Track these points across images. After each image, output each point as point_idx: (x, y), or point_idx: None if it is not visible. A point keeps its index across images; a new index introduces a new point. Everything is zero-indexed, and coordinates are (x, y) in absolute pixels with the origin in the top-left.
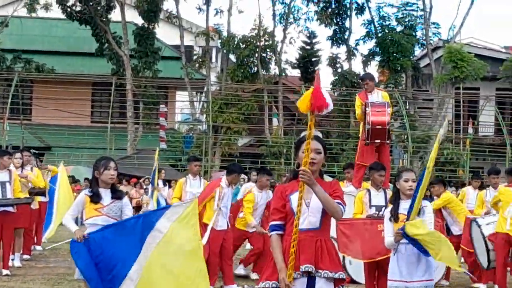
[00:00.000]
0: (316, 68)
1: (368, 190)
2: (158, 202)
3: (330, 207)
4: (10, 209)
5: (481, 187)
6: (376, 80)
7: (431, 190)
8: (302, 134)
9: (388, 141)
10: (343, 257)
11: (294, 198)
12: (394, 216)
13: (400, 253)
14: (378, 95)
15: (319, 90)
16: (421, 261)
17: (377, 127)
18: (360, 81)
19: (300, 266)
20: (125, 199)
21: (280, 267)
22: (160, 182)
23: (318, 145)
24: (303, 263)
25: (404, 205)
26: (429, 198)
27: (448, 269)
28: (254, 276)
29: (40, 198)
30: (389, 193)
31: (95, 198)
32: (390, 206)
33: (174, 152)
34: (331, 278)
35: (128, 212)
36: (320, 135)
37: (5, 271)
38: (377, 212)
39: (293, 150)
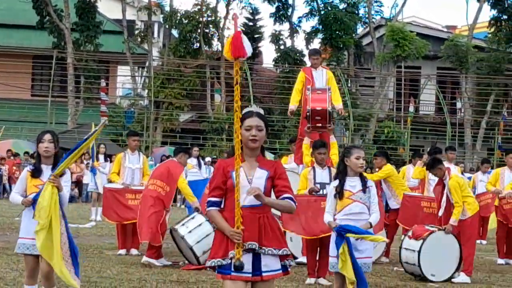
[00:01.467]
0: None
1: (313, 168)
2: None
3: (283, 209)
4: None
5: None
6: None
7: (374, 162)
8: (244, 110)
9: (329, 125)
10: (284, 233)
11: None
12: (339, 193)
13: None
14: (323, 73)
15: (238, 36)
16: (362, 240)
17: (318, 109)
18: (310, 55)
19: (244, 244)
20: (66, 176)
21: (226, 226)
22: (101, 157)
23: (260, 121)
24: (247, 240)
25: (351, 182)
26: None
27: (388, 246)
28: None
29: None
30: (334, 171)
31: (35, 173)
32: (334, 182)
33: (115, 127)
34: (276, 254)
35: (65, 190)
36: (262, 111)
37: None
38: (318, 186)
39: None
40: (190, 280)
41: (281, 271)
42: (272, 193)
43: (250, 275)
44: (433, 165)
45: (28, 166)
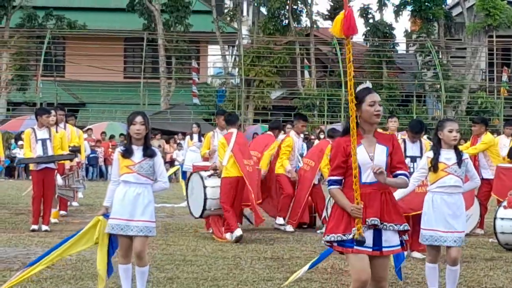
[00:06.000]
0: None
1: (404, 141)
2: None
3: (399, 187)
4: (52, 165)
5: None
6: (409, 30)
7: (472, 129)
8: (359, 87)
9: None
10: None
11: (358, 152)
12: (434, 165)
13: (435, 204)
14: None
15: (350, 14)
16: (456, 213)
17: None
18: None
19: (366, 220)
20: (157, 158)
21: (347, 203)
22: (195, 137)
23: (379, 97)
24: (370, 216)
25: (446, 154)
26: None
27: (482, 217)
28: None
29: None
30: (425, 143)
31: (126, 154)
32: (429, 153)
33: (207, 107)
34: (396, 230)
35: (162, 171)
36: (370, 85)
37: (45, 227)
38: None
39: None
40: (284, 256)
41: (399, 247)
42: None
43: (370, 249)
44: None
45: (119, 148)
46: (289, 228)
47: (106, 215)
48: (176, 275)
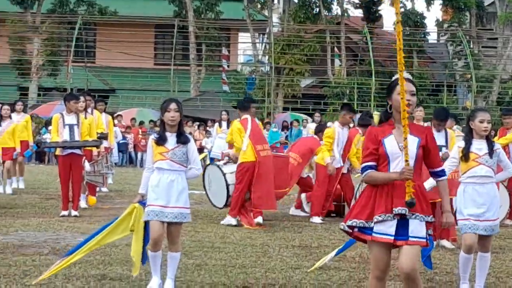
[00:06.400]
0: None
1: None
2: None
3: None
4: (78, 151)
5: None
6: (440, 19)
7: (503, 121)
8: (394, 77)
9: None
10: None
11: (388, 142)
12: (465, 155)
13: (467, 194)
14: None
15: None
16: (488, 202)
17: None
18: None
19: (393, 209)
20: (191, 144)
21: (390, 174)
22: (224, 124)
23: (412, 86)
24: (397, 206)
25: (477, 144)
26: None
27: (511, 208)
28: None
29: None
30: (450, 132)
31: (160, 141)
32: (460, 143)
33: (237, 94)
34: (423, 220)
35: (195, 158)
36: (410, 77)
37: (74, 212)
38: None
39: (386, 91)
40: (312, 245)
41: (425, 240)
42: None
43: (392, 237)
44: None
45: (153, 135)
46: (317, 219)
47: (142, 202)
48: (205, 262)
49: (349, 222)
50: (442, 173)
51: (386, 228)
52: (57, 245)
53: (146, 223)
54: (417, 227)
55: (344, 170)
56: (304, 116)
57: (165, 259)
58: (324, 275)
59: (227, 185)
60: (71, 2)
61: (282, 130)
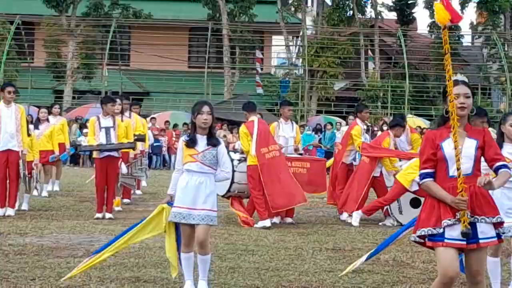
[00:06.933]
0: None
1: None
2: None
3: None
4: (115, 154)
5: None
6: (474, 22)
7: None
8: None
9: None
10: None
11: (445, 145)
12: None
13: (495, 197)
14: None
15: (449, 2)
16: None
17: None
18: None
19: (456, 213)
20: (221, 147)
21: (446, 195)
22: None
23: (467, 89)
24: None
25: (508, 149)
26: None
27: None
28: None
29: (139, 145)
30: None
31: (190, 143)
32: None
33: (270, 97)
34: (489, 222)
35: (225, 161)
36: (466, 79)
37: (108, 215)
38: None
39: (442, 95)
40: (345, 248)
41: (496, 239)
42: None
43: (464, 242)
44: None
45: (184, 137)
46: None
47: (171, 203)
48: (238, 265)
49: (418, 232)
50: (505, 167)
51: (458, 233)
52: (91, 247)
53: (178, 225)
54: (486, 228)
55: (377, 174)
56: (338, 119)
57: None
58: (358, 278)
59: (232, 182)
60: (106, 5)
61: (316, 133)
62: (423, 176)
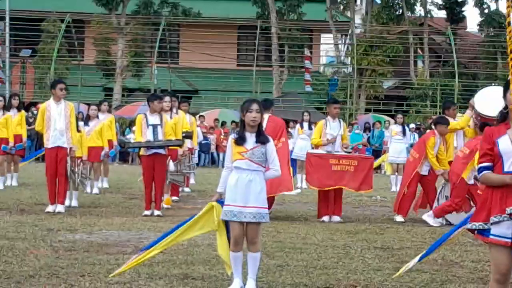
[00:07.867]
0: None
1: None
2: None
3: None
4: (162, 151)
5: None
6: None
7: None
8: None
9: None
10: None
11: (502, 141)
12: None
13: None
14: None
15: None
16: None
17: None
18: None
19: (506, 209)
20: (270, 145)
21: (504, 177)
22: (305, 125)
23: None
24: (510, 205)
25: None
26: None
27: None
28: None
29: (187, 142)
30: None
31: (239, 141)
32: None
33: (319, 95)
34: None
35: (273, 158)
36: None
37: (157, 212)
38: None
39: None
40: (394, 246)
41: None
42: None
43: (509, 240)
44: None
45: (233, 134)
46: (399, 218)
47: (220, 201)
48: (286, 263)
49: (468, 226)
50: None
51: (504, 230)
52: (140, 244)
53: (227, 223)
54: None
55: (425, 172)
56: (387, 118)
57: (246, 260)
58: (406, 277)
59: None
60: (155, 3)
61: (364, 131)
62: (481, 170)
